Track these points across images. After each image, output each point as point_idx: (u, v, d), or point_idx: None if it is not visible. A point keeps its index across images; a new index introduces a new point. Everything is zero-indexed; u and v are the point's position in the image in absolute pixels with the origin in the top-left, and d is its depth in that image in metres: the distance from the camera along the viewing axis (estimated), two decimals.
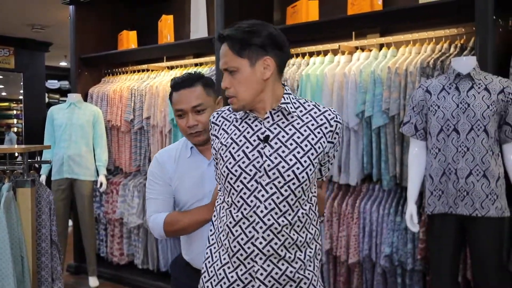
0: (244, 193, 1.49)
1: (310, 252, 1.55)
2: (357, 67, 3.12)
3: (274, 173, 1.47)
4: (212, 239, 1.60)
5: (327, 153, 1.55)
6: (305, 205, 1.52)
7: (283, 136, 1.50)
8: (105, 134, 4.43)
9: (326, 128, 1.52)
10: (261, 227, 1.48)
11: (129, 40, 4.58)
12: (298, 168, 1.47)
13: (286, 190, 1.47)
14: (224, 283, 1.52)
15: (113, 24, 4.79)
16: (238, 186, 1.50)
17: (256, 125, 1.53)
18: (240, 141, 1.52)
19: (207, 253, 1.61)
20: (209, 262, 1.59)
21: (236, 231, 1.50)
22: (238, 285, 1.51)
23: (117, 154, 4.54)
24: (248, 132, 1.53)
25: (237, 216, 1.50)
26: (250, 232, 1.49)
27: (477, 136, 2.43)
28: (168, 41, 4.23)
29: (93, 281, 4.35)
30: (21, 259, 2.46)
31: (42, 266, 2.66)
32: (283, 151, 1.48)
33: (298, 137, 1.50)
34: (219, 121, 1.60)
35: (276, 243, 1.48)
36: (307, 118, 1.53)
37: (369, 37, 3.35)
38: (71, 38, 4.73)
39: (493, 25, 2.60)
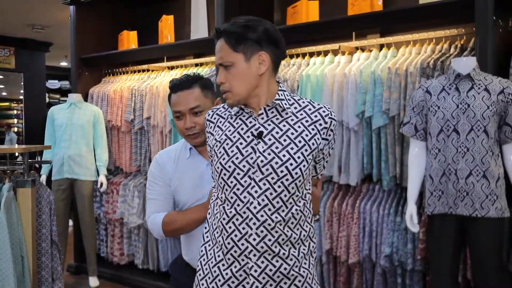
0: (238, 189, 1.50)
1: (304, 249, 1.55)
2: (357, 67, 3.12)
3: (267, 169, 1.47)
4: (207, 237, 1.60)
5: (321, 150, 1.55)
6: (299, 202, 1.52)
7: (277, 132, 1.51)
8: (105, 134, 4.43)
9: (320, 125, 1.53)
10: (254, 223, 1.48)
11: (129, 40, 4.59)
12: (291, 164, 1.47)
13: (279, 186, 1.48)
14: (219, 280, 1.52)
15: (113, 24, 4.79)
16: (231, 182, 1.50)
17: (250, 122, 1.54)
18: (234, 137, 1.53)
19: (201, 251, 1.61)
20: (203, 259, 1.59)
21: (230, 227, 1.50)
22: (233, 282, 1.50)
23: (117, 154, 4.54)
24: (242, 128, 1.53)
25: (230, 212, 1.51)
26: (243, 228, 1.49)
27: (477, 136, 2.43)
28: (168, 41, 4.23)
29: (93, 281, 4.35)
30: (21, 259, 2.46)
31: (42, 266, 2.66)
32: (277, 147, 1.49)
33: (292, 133, 1.50)
34: (214, 118, 1.61)
35: (269, 240, 1.48)
36: (301, 114, 1.53)
37: (369, 38, 3.35)
38: (72, 38, 4.73)
39: (493, 25, 2.60)
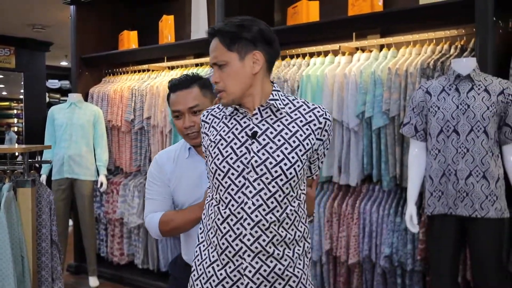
0: (232, 189, 1.50)
1: (299, 250, 1.55)
2: (358, 68, 3.12)
3: (261, 169, 1.47)
4: (201, 237, 1.60)
5: (316, 150, 1.55)
6: (294, 202, 1.52)
7: (271, 132, 1.51)
8: (105, 134, 4.43)
9: (315, 125, 1.53)
10: (248, 224, 1.47)
11: (129, 40, 4.59)
12: (285, 164, 1.47)
13: (273, 186, 1.48)
14: (213, 280, 1.52)
15: (113, 24, 4.79)
16: (226, 182, 1.50)
17: (244, 122, 1.54)
18: (229, 137, 1.53)
19: (196, 251, 1.61)
20: (198, 260, 1.59)
21: (224, 228, 1.50)
22: (227, 282, 1.50)
23: (117, 154, 4.55)
24: (236, 129, 1.53)
25: (225, 212, 1.51)
26: (238, 228, 1.48)
27: (477, 137, 2.43)
28: (168, 41, 4.23)
29: (93, 281, 4.35)
30: (21, 259, 2.46)
31: (42, 266, 2.66)
32: (271, 147, 1.49)
33: (286, 133, 1.50)
34: (209, 119, 1.61)
35: (264, 240, 1.48)
36: (295, 114, 1.53)
37: (370, 38, 3.35)
38: (72, 38, 4.73)
39: (493, 26, 2.60)
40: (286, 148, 1.49)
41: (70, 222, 4.78)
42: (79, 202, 4.33)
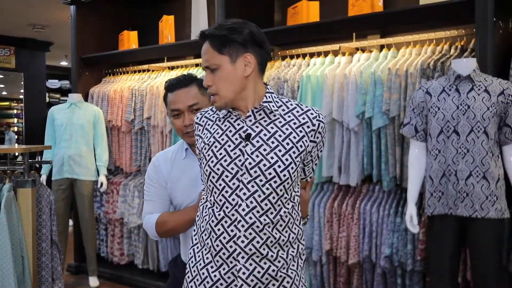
0: (226, 192, 1.50)
1: (293, 251, 1.55)
2: (358, 68, 3.13)
3: (255, 171, 1.48)
4: (195, 239, 1.61)
5: (309, 152, 1.55)
6: (288, 204, 1.52)
7: (265, 135, 1.51)
8: (105, 134, 4.44)
9: (308, 127, 1.53)
10: (243, 226, 1.48)
11: (129, 40, 4.59)
12: (279, 166, 1.48)
13: (267, 189, 1.48)
14: (207, 282, 1.52)
15: (114, 24, 4.79)
16: (220, 184, 1.51)
17: (238, 124, 1.54)
18: (223, 139, 1.53)
19: (190, 253, 1.61)
20: (192, 262, 1.59)
21: (219, 230, 1.50)
22: (221, 284, 1.50)
23: (117, 154, 4.55)
24: (230, 131, 1.53)
25: (219, 214, 1.51)
26: (232, 230, 1.49)
27: (477, 137, 2.43)
28: (168, 41, 4.23)
29: (93, 281, 4.35)
30: (21, 259, 2.46)
31: (42, 266, 2.67)
32: (265, 149, 1.49)
33: (280, 136, 1.51)
34: (203, 121, 1.61)
35: (258, 242, 1.48)
36: (289, 116, 1.53)
37: (370, 38, 3.35)
38: (72, 38, 4.73)
39: (493, 26, 2.60)
40: (280, 150, 1.49)
41: (70, 222, 4.79)
42: (79, 202, 4.33)
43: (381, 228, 3.05)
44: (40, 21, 6.75)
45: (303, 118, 1.53)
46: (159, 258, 4.23)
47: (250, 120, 1.53)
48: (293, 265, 1.55)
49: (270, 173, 1.47)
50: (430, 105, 2.56)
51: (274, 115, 1.53)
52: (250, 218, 1.48)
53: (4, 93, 9.88)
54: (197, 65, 4.23)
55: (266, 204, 1.48)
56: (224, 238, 1.49)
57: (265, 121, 1.53)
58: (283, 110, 1.54)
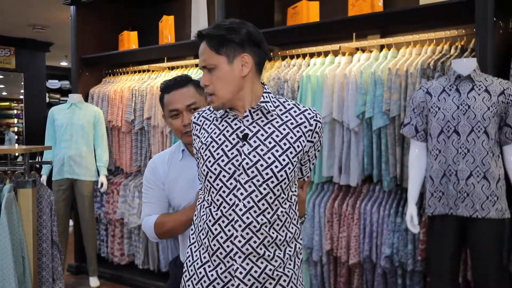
0: (223, 192, 1.50)
1: (290, 251, 1.55)
2: (358, 68, 3.13)
3: (252, 172, 1.48)
4: (193, 238, 1.61)
5: (307, 152, 1.55)
6: (285, 204, 1.53)
7: (262, 135, 1.51)
8: (106, 135, 4.44)
9: (305, 127, 1.53)
10: (240, 226, 1.48)
11: (129, 40, 4.59)
12: (276, 167, 1.48)
13: (264, 189, 1.48)
14: (204, 281, 1.53)
15: (114, 25, 4.79)
16: (217, 184, 1.51)
17: (235, 124, 1.54)
18: (220, 139, 1.53)
19: (187, 252, 1.62)
20: (189, 261, 1.59)
21: (216, 229, 1.51)
22: (218, 283, 1.51)
23: (117, 155, 4.55)
24: (227, 131, 1.54)
25: (216, 214, 1.51)
26: (229, 230, 1.49)
27: (477, 137, 2.43)
28: (168, 41, 4.24)
29: (93, 281, 4.36)
30: (22, 259, 2.46)
31: (43, 267, 2.67)
32: (262, 150, 1.49)
33: (277, 136, 1.51)
34: (200, 120, 1.61)
35: (255, 242, 1.48)
36: (286, 117, 1.54)
37: (370, 38, 3.35)
38: (72, 39, 4.73)
39: (493, 26, 2.60)
40: (277, 151, 1.49)
41: (71, 223, 4.79)
42: (79, 203, 4.33)
43: (381, 228, 3.05)
44: (40, 22, 6.75)
45: (300, 118, 1.54)
46: (160, 258, 4.23)
47: (248, 120, 1.53)
48: (290, 264, 1.55)
49: (267, 173, 1.48)
50: (431, 105, 2.56)
51: (272, 115, 1.53)
52: (247, 218, 1.48)
53: (4, 93, 9.88)
54: (197, 65, 4.23)
55: (263, 204, 1.48)
56: (221, 237, 1.50)
57: (262, 121, 1.53)
58: (280, 110, 1.55)
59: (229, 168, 1.49)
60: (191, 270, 1.57)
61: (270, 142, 1.50)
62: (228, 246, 1.49)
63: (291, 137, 1.51)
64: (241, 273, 1.49)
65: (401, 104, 2.95)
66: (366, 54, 3.25)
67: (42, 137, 4.47)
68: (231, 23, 1.51)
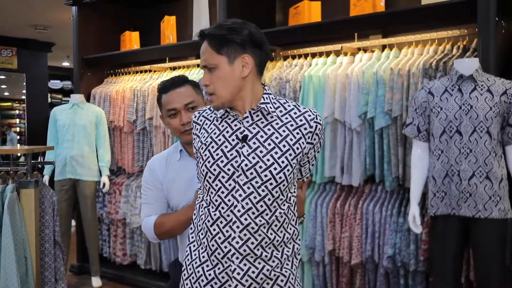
0: (222, 192, 1.50)
1: (288, 251, 1.55)
2: (360, 68, 3.12)
3: (251, 173, 1.48)
4: (192, 237, 1.61)
5: (306, 154, 1.55)
6: (283, 205, 1.53)
7: (262, 136, 1.51)
8: (108, 135, 4.44)
9: (305, 129, 1.53)
10: (237, 227, 1.48)
11: (131, 41, 4.59)
12: (275, 169, 1.48)
13: (263, 190, 1.48)
14: (202, 280, 1.53)
15: (115, 25, 4.80)
16: (216, 185, 1.51)
17: (235, 125, 1.54)
18: (219, 140, 1.53)
19: (186, 251, 1.62)
20: (188, 259, 1.60)
21: (214, 230, 1.51)
22: (215, 283, 1.51)
23: (120, 155, 4.55)
24: (227, 132, 1.54)
25: (214, 215, 1.51)
26: (227, 231, 1.49)
27: (480, 137, 2.43)
28: (170, 42, 4.24)
29: (96, 281, 4.36)
30: (24, 259, 2.47)
31: (45, 267, 2.67)
32: (261, 151, 1.49)
33: (277, 138, 1.51)
34: (200, 120, 1.62)
35: (252, 243, 1.49)
36: (286, 118, 1.53)
37: (372, 38, 3.35)
38: (74, 39, 4.74)
39: (496, 26, 2.60)
40: (276, 153, 1.49)
41: (73, 223, 4.79)
42: (81, 203, 4.33)
43: (383, 228, 3.05)
44: (42, 22, 6.75)
45: (301, 120, 1.53)
46: (162, 258, 4.23)
47: (247, 121, 1.53)
48: (287, 264, 1.55)
49: (266, 175, 1.48)
50: (433, 105, 2.55)
51: (272, 116, 1.53)
52: (245, 219, 1.48)
53: (6, 93, 9.89)
54: (199, 65, 4.23)
55: (261, 206, 1.49)
56: (219, 238, 1.50)
57: (262, 122, 1.53)
58: (281, 111, 1.55)
59: (228, 169, 1.50)
60: (190, 269, 1.58)
61: (269, 144, 1.50)
62: (226, 247, 1.49)
63: (291, 139, 1.51)
64: (238, 273, 1.49)
65: (403, 104, 2.95)
66: (368, 54, 3.25)
67: (44, 137, 4.47)
68: (233, 23, 1.51)
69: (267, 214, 1.49)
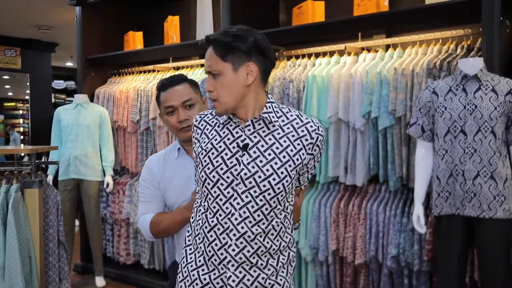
0: (220, 200, 1.50)
1: (283, 259, 1.56)
2: (363, 68, 3.12)
3: (250, 182, 1.48)
4: (189, 240, 1.62)
5: (306, 165, 1.55)
6: (280, 214, 1.53)
7: (262, 146, 1.50)
8: (111, 135, 4.45)
9: (306, 140, 1.52)
10: (234, 235, 1.48)
11: (135, 41, 4.60)
12: (274, 179, 1.48)
13: (261, 200, 1.48)
14: (197, 284, 1.53)
15: (119, 25, 4.81)
16: (215, 192, 1.51)
17: (237, 132, 1.53)
18: (220, 147, 1.53)
19: (182, 253, 1.62)
20: (183, 262, 1.60)
21: (211, 236, 1.51)
22: None
23: (123, 155, 4.56)
24: (228, 139, 1.53)
25: (212, 221, 1.51)
26: (224, 238, 1.49)
27: (484, 137, 2.42)
28: (174, 42, 4.24)
29: (99, 281, 4.37)
30: (29, 259, 2.47)
31: (49, 266, 2.68)
32: (261, 161, 1.49)
33: (277, 148, 1.50)
34: (202, 125, 1.61)
35: (248, 251, 1.49)
36: (288, 128, 1.53)
37: (375, 38, 3.34)
38: (78, 39, 4.75)
39: (500, 26, 2.59)
40: (276, 163, 1.49)
41: (77, 223, 4.80)
42: (85, 203, 4.34)
43: (387, 228, 3.04)
44: (46, 22, 6.77)
45: (302, 131, 1.53)
46: (165, 258, 4.23)
47: (249, 130, 1.52)
48: (282, 272, 1.56)
49: (264, 185, 1.48)
50: (437, 105, 2.55)
51: (273, 125, 1.53)
52: (242, 227, 1.48)
53: (10, 94, 9.92)
54: (202, 65, 4.23)
55: (258, 215, 1.49)
56: (216, 245, 1.50)
57: (263, 131, 1.52)
58: (283, 121, 1.54)
59: (227, 177, 1.49)
60: (185, 272, 1.58)
61: (269, 154, 1.50)
62: (222, 254, 1.50)
63: (291, 150, 1.51)
64: (233, 281, 1.49)
65: (407, 104, 2.95)
66: (372, 54, 3.25)
67: (48, 137, 4.48)
68: (238, 30, 1.51)
69: (263, 223, 1.49)
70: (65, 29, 6.81)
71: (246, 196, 1.48)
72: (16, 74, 8.38)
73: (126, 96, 4.43)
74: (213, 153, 1.53)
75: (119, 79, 4.79)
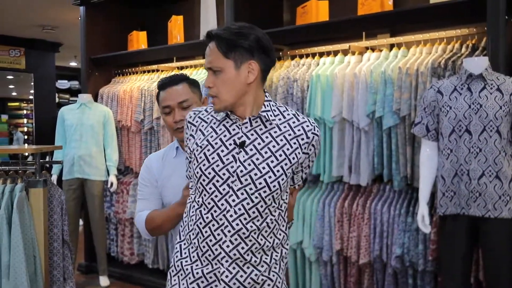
0: (216, 196, 1.50)
1: (276, 256, 1.57)
2: (368, 67, 3.11)
3: (246, 179, 1.48)
4: (182, 235, 1.62)
5: (301, 164, 1.56)
6: (275, 212, 1.53)
7: (259, 143, 1.51)
8: (115, 134, 4.45)
9: (302, 139, 1.53)
10: (229, 231, 1.49)
11: (139, 40, 4.60)
12: (270, 177, 1.48)
13: (256, 197, 1.48)
14: (189, 278, 1.54)
15: (123, 25, 4.81)
16: (210, 188, 1.51)
17: (233, 129, 1.53)
18: (216, 143, 1.53)
19: (176, 247, 1.63)
20: (177, 256, 1.60)
21: (206, 232, 1.52)
22: (202, 281, 1.52)
23: (127, 154, 4.56)
24: (225, 136, 1.53)
25: (207, 217, 1.52)
26: (218, 234, 1.50)
27: (489, 137, 2.41)
28: (177, 41, 4.24)
29: (103, 280, 4.38)
30: (33, 258, 2.48)
31: (54, 266, 2.68)
32: (257, 159, 1.49)
33: (274, 146, 1.51)
34: (196, 121, 1.60)
35: (243, 248, 1.50)
36: (285, 127, 1.54)
37: (380, 37, 3.34)
38: (82, 39, 4.75)
39: (505, 25, 2.58)
40: (272, 161, 1.49)
41: (81, 222, 4.81)
42: (89, 202, 4.35)
43: (392, 228, 3.04)
44: (50, 22, 6.78)
45: (298, 130, 1.54)
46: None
47: (246, 127, 1.53)
48: (275, 268, 1.56)
49: (260, 183, 1.48)
50: (442, 104, 2.54)
51: (270, 124, 1.53)
52: (237, 224, 1.48)
53: (14, 93, 9.96)
54: None
55: (253, 212, 1.49)
56: (210, 241, 1.51)
57: (260, 129, 1.53)
58: (280, 119, 1.55)
59: (223, 174, 1.50)
60: (178, 266, 1.58)
61: (266, 152, 1.50)
62: (216, 250, 1.50)
63: (287, 149, 1.51)
64: (227, 276, 1.50)
65: (411, 103, 2.94)
66: (376, 53, 3.24)
67: (52, 137, 4.49)
68: (241, 28, 1.50)
69: (258, 220, 1.50)
70: (69, 29, 6.82)
71: (242, 193, 1.48)
72: (20, 74, 8.40)
73: (130, 96, 4.44)
74: (208, 150, 1.53)
75: (123, 78, 4.80)
